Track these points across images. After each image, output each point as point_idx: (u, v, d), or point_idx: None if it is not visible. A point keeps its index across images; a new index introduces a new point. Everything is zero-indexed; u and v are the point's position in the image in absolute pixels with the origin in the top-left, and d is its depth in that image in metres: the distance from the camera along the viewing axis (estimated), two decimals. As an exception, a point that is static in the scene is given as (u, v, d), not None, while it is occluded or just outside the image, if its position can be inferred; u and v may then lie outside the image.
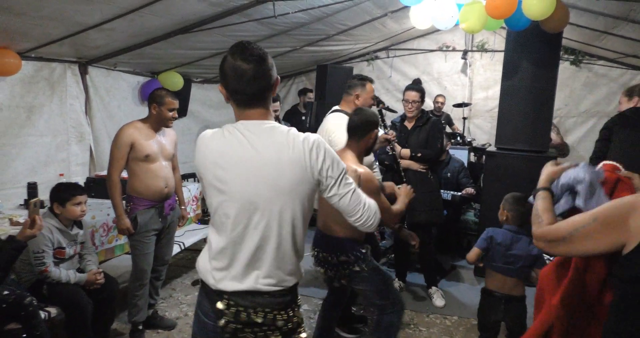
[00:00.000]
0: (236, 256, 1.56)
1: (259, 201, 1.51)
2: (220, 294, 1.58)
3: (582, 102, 6.57)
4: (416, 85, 4.13)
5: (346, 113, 3.12)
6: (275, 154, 1.50)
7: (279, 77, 1.60)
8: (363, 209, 1.63)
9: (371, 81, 3.42)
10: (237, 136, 1.53)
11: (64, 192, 2.86)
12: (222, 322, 1.58)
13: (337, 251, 2.58)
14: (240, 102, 1.54)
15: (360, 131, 2.57)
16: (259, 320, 1.56)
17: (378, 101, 3.62)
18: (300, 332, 1.68)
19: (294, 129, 1.57)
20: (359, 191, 1.64)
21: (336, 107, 3.45)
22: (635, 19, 4.05)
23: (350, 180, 1.62)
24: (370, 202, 1.67)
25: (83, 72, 4.19)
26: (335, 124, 3.21)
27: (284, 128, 1.56)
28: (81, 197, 2.88)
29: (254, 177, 1.50)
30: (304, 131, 1.58)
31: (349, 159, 2.49)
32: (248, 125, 1.55)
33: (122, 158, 3.02)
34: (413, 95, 3.86)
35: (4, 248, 2.36)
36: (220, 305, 1.57)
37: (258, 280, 1.56)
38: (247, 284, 1.55)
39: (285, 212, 1.53)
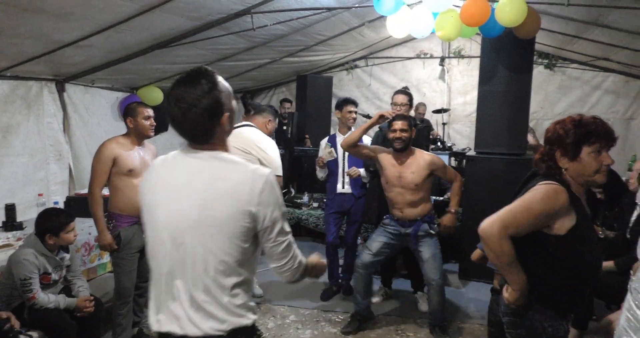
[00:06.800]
0: None
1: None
2: None
3: (557, 104, 6.72)
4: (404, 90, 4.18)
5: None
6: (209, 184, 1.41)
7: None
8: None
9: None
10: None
11: (55, 222, 2.78)
12: None
13: None
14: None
15: None
16: None
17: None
18: None
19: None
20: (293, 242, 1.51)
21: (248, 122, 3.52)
22: (604, 23, 4.17)
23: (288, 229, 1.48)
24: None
25: (60, 90, 4.16)
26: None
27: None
28: (73, 223, 2.85)
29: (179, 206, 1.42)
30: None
31: None
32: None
33: (105, 173, 2.98)
34: (401, 98, 3.93)
35: None
36: None
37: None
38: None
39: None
